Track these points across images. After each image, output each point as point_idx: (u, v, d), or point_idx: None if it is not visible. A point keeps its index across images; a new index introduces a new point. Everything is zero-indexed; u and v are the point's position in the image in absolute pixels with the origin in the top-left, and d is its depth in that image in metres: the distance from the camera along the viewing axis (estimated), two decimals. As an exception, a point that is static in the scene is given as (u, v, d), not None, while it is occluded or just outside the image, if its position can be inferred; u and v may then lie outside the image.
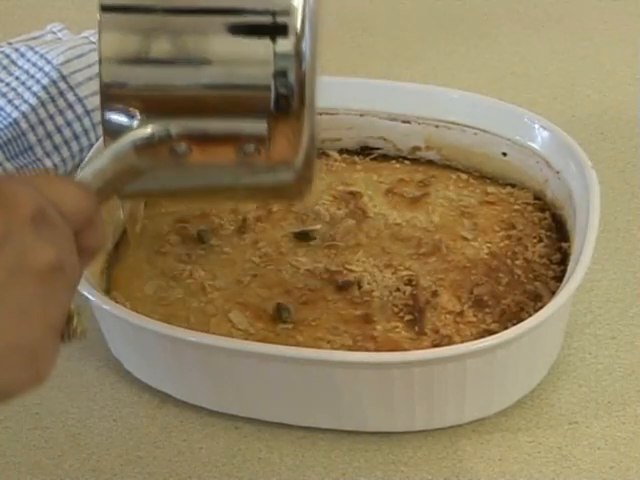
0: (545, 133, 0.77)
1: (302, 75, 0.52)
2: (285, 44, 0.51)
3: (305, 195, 0.57)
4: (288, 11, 0.51)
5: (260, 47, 0.52)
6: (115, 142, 0.53)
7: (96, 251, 0.51)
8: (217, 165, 0.55)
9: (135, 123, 0.53)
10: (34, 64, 0.86)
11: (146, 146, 0.53)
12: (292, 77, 0.52)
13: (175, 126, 0.53)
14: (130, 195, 0.60)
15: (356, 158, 0.81)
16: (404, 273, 0.71)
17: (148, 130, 0.53)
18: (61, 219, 0.47)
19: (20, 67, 0.86)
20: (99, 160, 0.52)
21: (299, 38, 0.51)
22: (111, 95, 0.54)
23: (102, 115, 0.54)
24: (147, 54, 0.53)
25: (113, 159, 0.53)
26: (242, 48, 0.52)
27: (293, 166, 0.54)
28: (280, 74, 0.52)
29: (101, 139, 0.76)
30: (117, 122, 0.54)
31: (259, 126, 0.52)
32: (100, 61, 0.54)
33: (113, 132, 0.53)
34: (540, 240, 0.73)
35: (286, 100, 0.52)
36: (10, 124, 0.83)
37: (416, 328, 0.67)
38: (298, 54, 0.51)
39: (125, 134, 0.53)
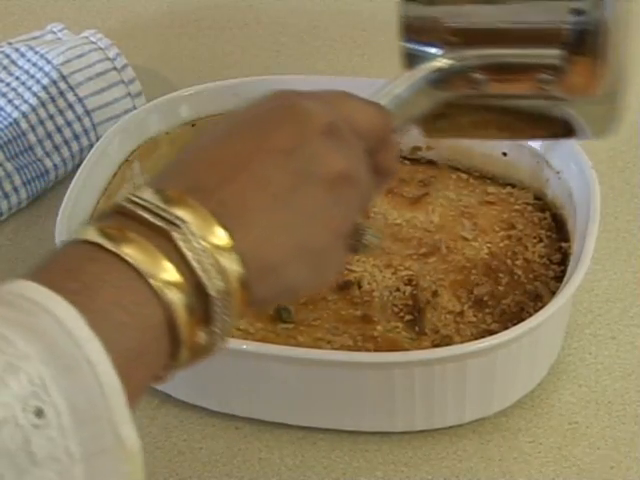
0: (545, 133, 0.76)
1: (600, 15, 0.53)
2: None
3: (608, 132, 0.59)
4: None
5: None
6: (413, 70, 0.55)
7: (389, 172, 0.53)
8: (514, 94, 0.57)
9: (434, 53, 0.56)
10: (34, 64, 0.86)
11: (444, 76, 0.55)
12: (588, 16, 0.53)
13: (474, 56, 0.55)
14: (430, 129, 0.61)
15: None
16: (404, 273, 0.71)
17: (447, 60, 0.55)
18: (353, 135, 0.49)
19: (20, 67, 0.86)
20: (396, 86, 0.55)
21: None
22: (412, 26, 0.57)
23: (402, 45, 0.57)
24: None
25: (410, 86, 0.55)
26: None
27: (592, 100, 0.56)
28: (576, 11, 0.53)
29: (98, 143, 0.77)
30: (417, 52, 0.56)
31: (554, 55, 0.54)
32: None
33: (412, 62, 0.56)
34: (540, 240, 0.73)
35: (581, 37, 0.53)
36: (10, 124, 0.83)
37: (416, 328, 0.67)
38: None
39: (424, 63, 0.56)
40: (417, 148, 0.81)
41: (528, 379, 0.67)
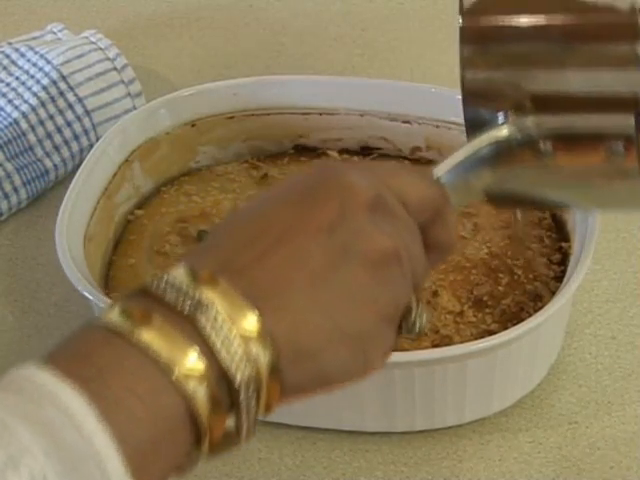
0: (545, 133, 0.76)
1: None
2: None
3: None
4: None
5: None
6: (474, 138, 0.51)
7: (446, 248, 0.50)
8: (584, 166, 0.52)
9: (499, 120, 0.51)
10: (34, 64, 0.86)
11: (507, 146, 0.51)
12: None
13: (540, 125, 0.51)
14: (494, 197, 0.57)
15: (356, 158, 0.81)
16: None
17: (511, 128, 0.51)
18: (402, 210, 0.46)
19: (20, 67, 0.86)
20: (456, 155, 0.51)
21: None
22: (475, 91, 0.52)
23: (464, 111, 0.53)
24: (516, 54, 0.51)
25: (471, 155, 0.51)
26: (614, 51, 0.50)
27: None
28: None
29: (98, 143, 0.77)
30: (479, 120, 0.52)
31: (627, 123, 0.49)
32: (464, 55, 0.52)
33: (474, 130, 0.52)
34: (540, 240, 0.73)
35: None
36: (10, 124, 0.83)
37: (416, 328, 0.67)
38: None
39: (486, 131, 0.51)
40: (417, 148, 0.81)
41: (528, 379, 0.67)
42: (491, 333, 0.65)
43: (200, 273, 0.41)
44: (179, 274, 0.41)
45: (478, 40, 0.52)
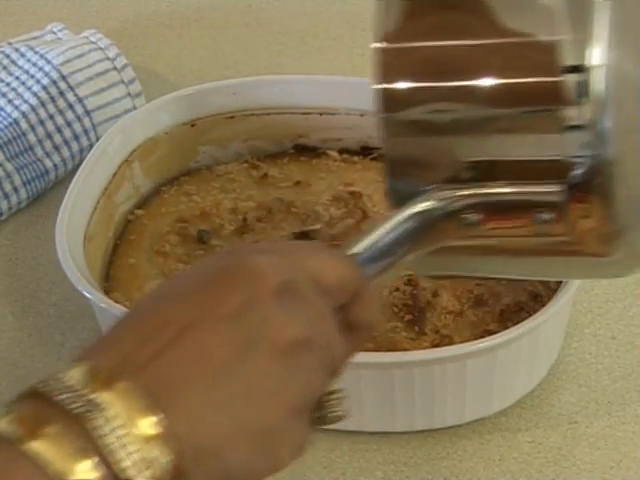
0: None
1: (604, 153, 0.45)
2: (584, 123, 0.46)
3: (633, 271, 0.51)
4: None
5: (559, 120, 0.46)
6: (395, 214, 0.49)
7: (367, 327, 0.47)
8: (511, 237, 0.49)
9: (421, 192, 0.49)
10: (34, 64, 0.86)
11: (430, 217, 0.49)
12: (591, 151, 0.46)
13: (465, 195, 0.48)
14: (424, 271, 0.56)
15: (356, 158, 0.81)
16: (404, 273, 0.71)
17: (434, 201, 0.49)
18: (315, 293, 0.44)
19: (20, 67, 0.86)
20: (375, 231, 0.48)
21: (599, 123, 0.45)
22: (398, 161, 0.50)
23: (385, 182, 0.50)
24: (438, 121, 0.49)
25: (391, 230, 0.48)
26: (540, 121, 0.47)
27: (606, 243, 0.48)
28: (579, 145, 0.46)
29: (98, 143, 0.77)
30: (402, 190, 0.49)
31: (555, 192, 0.47)
32: (383, 123, 0.50)
33: (398, 199, 0.49)
34: (540, 240, 0.73)
35: (587, 173, 0.46)
36: (10, 124, 0.83)
37: (416, 328, 0.67)
38: (601, 136, 0.45)
39: (407, 205, 0.49)
40: (417, 148, 0.81)
41: (528, 379, 0.67)
42: (491, 333, 0.65)
43: (97, 372, 0.39)
44: (75, 373, 0.39)
45: (401, 106, 0.50)
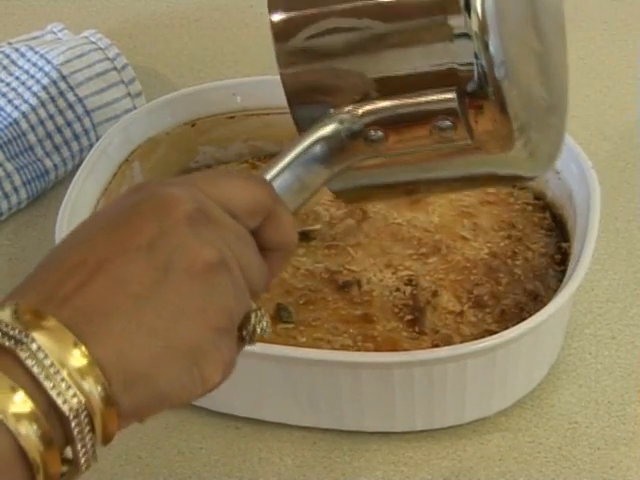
0: (545, 133, 0.76)
1: (488, 53, 0.48)
2: (467, 25, 0.48)
3: (537, 172, 0.54)
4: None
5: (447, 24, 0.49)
6: (301, 138, 0.51)
7: (285, 248, 0.49)
8: (417, 147, 0.52)
9: (324, 116, 0.51)
10: (34, 64, 0.86)
11: (338, 139, 0.51)
12: (479, 56, 0.48)
13: (366, 113, 0.51)
14: (341, 193, 0.58)
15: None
16: (404, 273, 0.71)
17: (337, 122, 0.51)
18: (228, 217, 0.46)
19: (20, 67, 0.86)
20: (283, 157, 0.50)
21: (483, 25, 0.48)
22: (296, 89, 0.52)
23: (291, 112, 0.53)
24: (328, 44, 0.51)
25: (301, 155, 0.50)
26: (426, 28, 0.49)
27: (506, 143, 0.51)
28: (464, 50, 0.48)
29: (98, 143, 0.77)
30: (306, 117, 0.52)
31: (449, 98, 0.49)
32: (278, 53, 0.53)
33: (305, 127, 0.52)
34: (540, 240, 0.73)
35: (477, 77, 0.49)
36: (10, 124, 0.83)
37: (416, 328, 0.67)
38: (481, 34, 0.48)
39: (312, 130, 0.51)
40: (417, 148, 0.81)
41: (528, 379, 0.67)
42: (491, 333, 0.65)
43: (24, 311, 0.41)
44: (2, 315, 0.41)
45: (290, 35, 0.53)
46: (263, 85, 0.81)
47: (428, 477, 0.64)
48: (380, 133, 0.51)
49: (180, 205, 0.44)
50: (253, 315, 0.47)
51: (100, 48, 0.87)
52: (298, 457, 0.66)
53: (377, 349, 0.66)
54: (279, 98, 0.81)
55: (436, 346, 0.65)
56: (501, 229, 0.74)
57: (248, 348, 0.63)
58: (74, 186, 0.73)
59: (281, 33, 0.53)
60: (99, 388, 0.40)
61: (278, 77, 0.83)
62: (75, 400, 0.40)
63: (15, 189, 0.82)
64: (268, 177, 0.50)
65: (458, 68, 0.49)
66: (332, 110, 0.51)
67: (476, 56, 0.48)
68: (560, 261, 0.71)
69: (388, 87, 0.51)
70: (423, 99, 0.50)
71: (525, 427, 0.67)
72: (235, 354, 0.46)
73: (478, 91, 0.49)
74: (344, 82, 0.51)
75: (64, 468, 0.41)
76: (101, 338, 0.41)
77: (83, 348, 0.40)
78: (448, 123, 0.50)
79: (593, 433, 0.66)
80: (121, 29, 1.01)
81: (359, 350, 0.66)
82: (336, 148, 0.51)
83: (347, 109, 0.51)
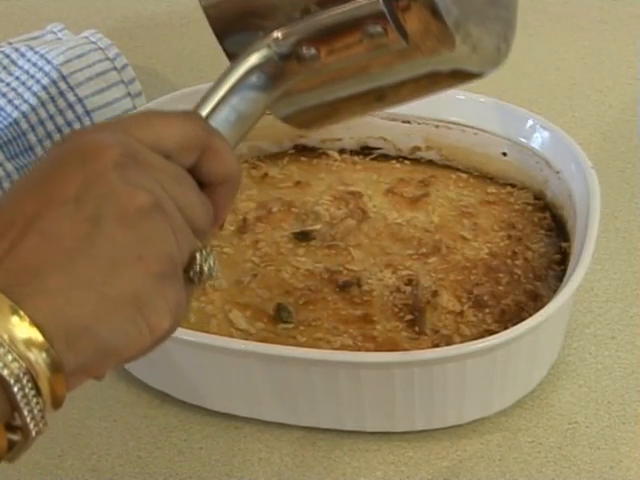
0: (545, 133, 0.77)
1: None
2: None
3: (487, 67, 0.52)
4: None
5: None
6: (234, 67, 0.50)
7: (230, 178, 0.47)
8: (354, 58, 0.50)
9: (253, 43, 0.50)
10: (34, 64, 0.86)
11: (271, 63, 0.50)
12: None
13: (294, 32, 0.49)
14: (287, 118, 0.56)
15: (356, 158, 0.81)
16: (404, 273, 0.71)
17: (266, 48, 0.50)
18: (159, 158, 0.44)
19: (20, 67, 0.86)
20: (217, 90, 0.49)
21: None
22: (219, 19, 0.51)
23: (221, 44, 0.51)
24: None
25: (236, 86, 0.49)
26: None
27: (442, 41, 0.49)
28: None
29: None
30: (234, 46, 0.51)
31: (374, 1, 0.48)
32: None
33: (235, 57, 0.50)
34: (540, 240, 0.73)
35: None
36: (10, 124, 0.83)
37: (416, 328, 0.67)
38: None
39: (242, 58, 0.50)
40: (417, 148, 0.81)
41: (528, 379, 0.67)
42: (491, 333, 0.65)
43: None
44: None
45: None
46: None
47: (428, 477, 0.64)
48: (312, 50, 0.50)
49: (105, 151, 0.42)
50: (198, 255, 0.45)
51: (100, 48, 0.87)
52: (298, 457, 0.66)
53: (377, 349, 0.66)
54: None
55: (436, 346, 0.65)
56: (501, 229, 0.74)
57: (245, 348, 0.63)
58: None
59: None
60: (43, 355, 0.39)
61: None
62: (16, 365, 0.39)
63: (15, 189, 0.82)
64: (204, 113, 0.48)
65: None
66: (261, 34, 0.50)
67: None
68: (560, 261, 0.71)
69: (312, 2, 0.49)
70: (348, 7, 0.48)
71: (525, 427, 0.67)
72: (184, 298, 0.44)
73: None
74: (268, 3, 0.50)
75: (15, 437, 0.40)
76: (37, 299, 0.40)
77: (21, 313, 0.39)
78: (378, 29, 0.48)
79: (593, 433, 0.66)
80: (121, 29, 1.01)
81: (359, 350, 0.66)
82: (270, 73, 0.50)
83: (275, 32, 0.50)
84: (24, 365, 0.39)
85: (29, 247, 0.41)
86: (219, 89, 0.49)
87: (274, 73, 0.50)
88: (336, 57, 0.50)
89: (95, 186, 0.42)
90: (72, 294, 0.40)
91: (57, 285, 0.40)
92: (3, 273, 0.40)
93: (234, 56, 0.51)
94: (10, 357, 0.39)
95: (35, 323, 0.39)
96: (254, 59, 0.50)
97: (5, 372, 0.39)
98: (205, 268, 0.45)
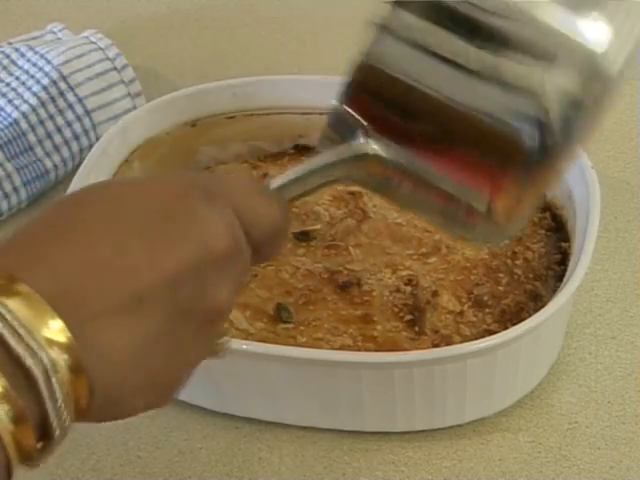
0: (545, 133, 0.76)
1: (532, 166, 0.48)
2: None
3: (499, 242, 0.55)
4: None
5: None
6: (327, 153, 0.50)
7: (266, 260, 0.48)
8: (421, 202, 0.51)
9: (360, 138, 0.50)
10: (34, 64, 0.86)
11: (355, 164, 0.50)
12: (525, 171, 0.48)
13: (400, 158, 0.50)
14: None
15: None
16: (404, 273, 0.71)
17: (371, 149, 0.50)
18: (247, 255, 0.44)
19: (20, 67, 0.86)
20: (310, 175, 0.49)
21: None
22: (353, 101, 0.52)
23: (328, 119, 0.52)
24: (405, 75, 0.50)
25: (321, 170, 0.50)
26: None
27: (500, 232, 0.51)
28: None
29: (98, 143, 0.77)
30: (340, 128, 0.51)
31: (481, 202, 0.48)
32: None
33: (334, 138, 0.51)
34: (540, 240, 0.73)
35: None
36: (10, 124, 0.83)
37: (416, 328, 0.67)
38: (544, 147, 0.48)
39: (345, 148, 0.50)
40: (417, 148, 0.81)
41: (528, 379, 0.67)
42: (491, 333, 0.65)
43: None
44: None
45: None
46: (263, 85, 0.82)
47: (428, 477, 0.64)
48: (398, 181, 0.50)
49: (219, 240, 0.42)
50: (222, 338, 0.47)
51: (100, 48, 0.87)
52: (298, 457, 0.66)
53: (377, 349, 0.66)
54: (279, 98, 0.82)
55: (436, 346, 0.65)
56: (501, 229, 0.74)
57: (245, 348, 0.63)
58: (74, 186, 0.73)
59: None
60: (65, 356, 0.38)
61: (278, 77, 0.84)
62: (45, 360, 0.38)
63: (15, 189, 0.82)
64: (292, 194, 0.49)
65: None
66: (365, 130, 0.50)
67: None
68: (560, 261, 0.71)
69: (429, 152, 0.49)
70: (456, 190, 0.49)
71: (525, 427, 0.67)
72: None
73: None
74: (415, 109, 0.49)
75: (39, 445, 0.39)
76: (93, 353, 0.39)
77: (61, 323, 0.38)
78: (462, 213, 0.49)
79: (593, 433, 0.66)
80: (121, 29, 1.01)
81: (359, 350, 0.66)
82: (351, 167, 0.51)
83: (379, 145, 0.50)
84: (50, 364, 0.38)
85: (118, 308, 0.40)
86: (304, 169, 0.50)
87: (353, 167, 0.50)
88: (413, 195, 0.51)
89: (200, 277, 0.42)
90: (125, 369, 0.41)
91: (123, 362, 0.40)
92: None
93: (331, 121, 0.52)
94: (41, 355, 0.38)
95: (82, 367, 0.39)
96: (347, 154, 0.50)
97: (36, 370, 0.38)
98: (221, 351, 0.48)
